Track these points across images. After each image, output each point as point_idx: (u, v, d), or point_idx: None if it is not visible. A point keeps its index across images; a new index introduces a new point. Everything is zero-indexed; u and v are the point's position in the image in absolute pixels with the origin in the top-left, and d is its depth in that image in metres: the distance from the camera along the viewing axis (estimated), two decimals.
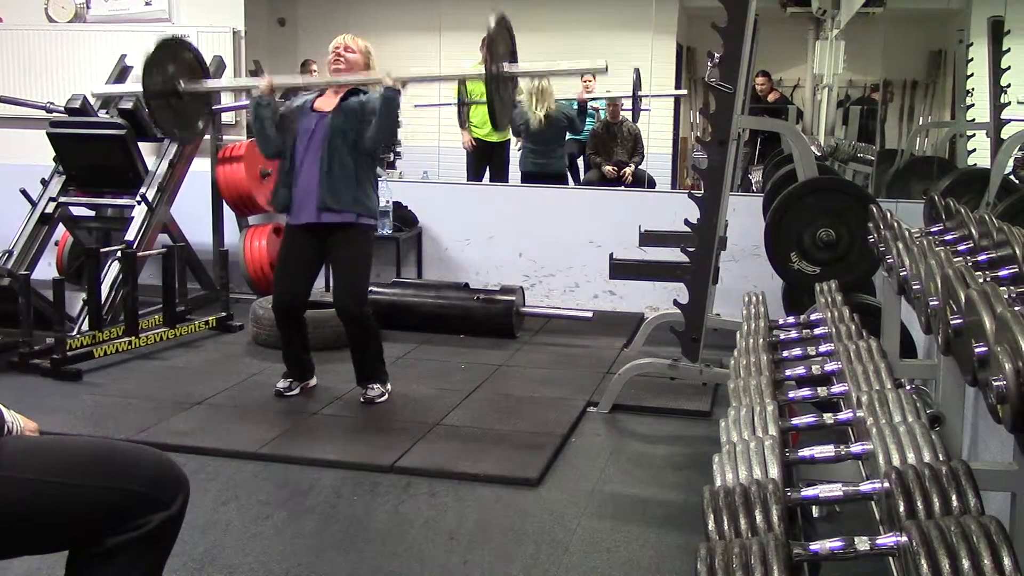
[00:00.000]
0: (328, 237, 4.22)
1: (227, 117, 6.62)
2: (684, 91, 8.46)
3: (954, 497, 1.53)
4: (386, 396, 4.35)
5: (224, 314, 5.70)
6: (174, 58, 4.55)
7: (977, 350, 1.67)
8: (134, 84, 5.61)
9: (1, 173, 5.27)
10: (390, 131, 4.31)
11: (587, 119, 8.03)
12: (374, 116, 4.14)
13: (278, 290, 4.35)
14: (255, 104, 4.24)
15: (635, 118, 7.77)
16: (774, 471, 1.82)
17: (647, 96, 7.44)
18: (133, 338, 5.04)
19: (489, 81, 3.96)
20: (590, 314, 5.92)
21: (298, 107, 4.27)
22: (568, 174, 7.80)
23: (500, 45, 4.00)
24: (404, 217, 6.55)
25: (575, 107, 7.61)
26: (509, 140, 7.88)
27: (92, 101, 6.05)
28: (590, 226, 6.36)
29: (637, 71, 7.40)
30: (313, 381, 4.51)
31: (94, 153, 5.83)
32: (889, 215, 3.28)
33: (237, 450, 3.74)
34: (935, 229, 3.08)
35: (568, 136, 7.66)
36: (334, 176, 4.12)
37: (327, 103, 4.23)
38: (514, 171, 7.70)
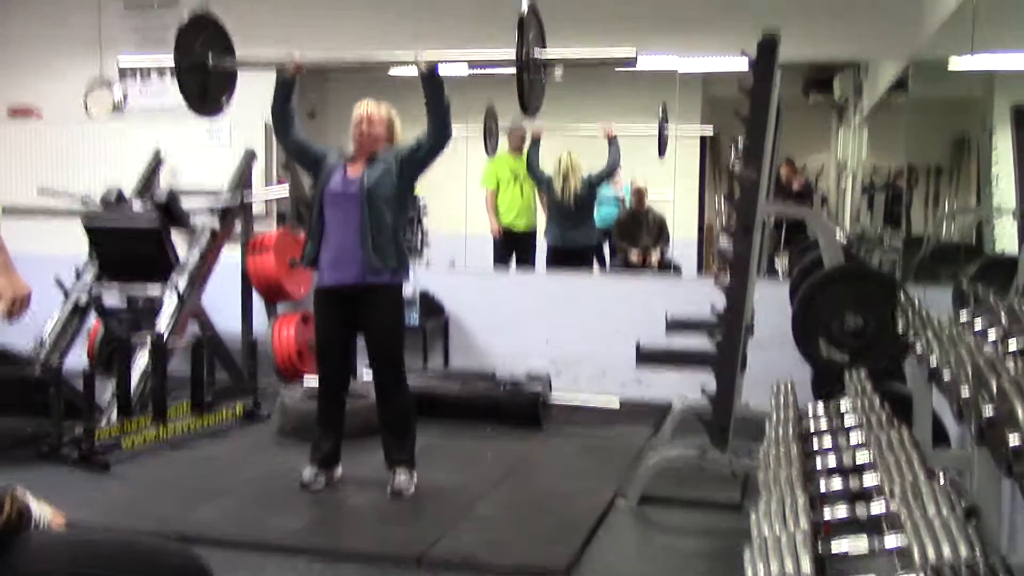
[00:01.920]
0: (362, 296, 4.25)
1: (258, 208, 6.73)
2: (709, 126, 8.38)
3: None
4: (413, 486, 4.32)
5: (252, 403, 5.71)
6: (204, 32, 4.49)
7: (1012, 441, 1.65)
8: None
9: (37, 263, 5.33)
10: (444, 117, 4.20)
11: (619, 155, 7.99)
12: (412, 152, 4.22)
13: (323, 371, 4.39)
14: (280, 81, 4.31)
15: (661, 153, 7.70)
16: (806, 566, 1.78)
17: (670, 134, 7.50)
18: (161, 427, 5.05)
19: (519, 63, 3.87)
20: (617, 404, 5.88)
21: (331, 165, 4.31)
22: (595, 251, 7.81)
23: (531, 30, 3.98)
24: (431, 306, 6.58)
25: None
26: (536, 228, 7.95)
27: (127, 193, 6.18)
28: (616, 313, 6.36)
29: (664, 104, 7.41)
30: (339, 472, 4.48)
31: (128, 245, 5.93)
32: (917, 302, 3.27)
33: (262, 542, 3.71)
34: (964, 316, 3.06)
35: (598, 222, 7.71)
36: (378, 237, 4.17)
37: (357, 168, 4.29)
38: (541, 253, 7.73)
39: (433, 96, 4.17)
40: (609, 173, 7.62)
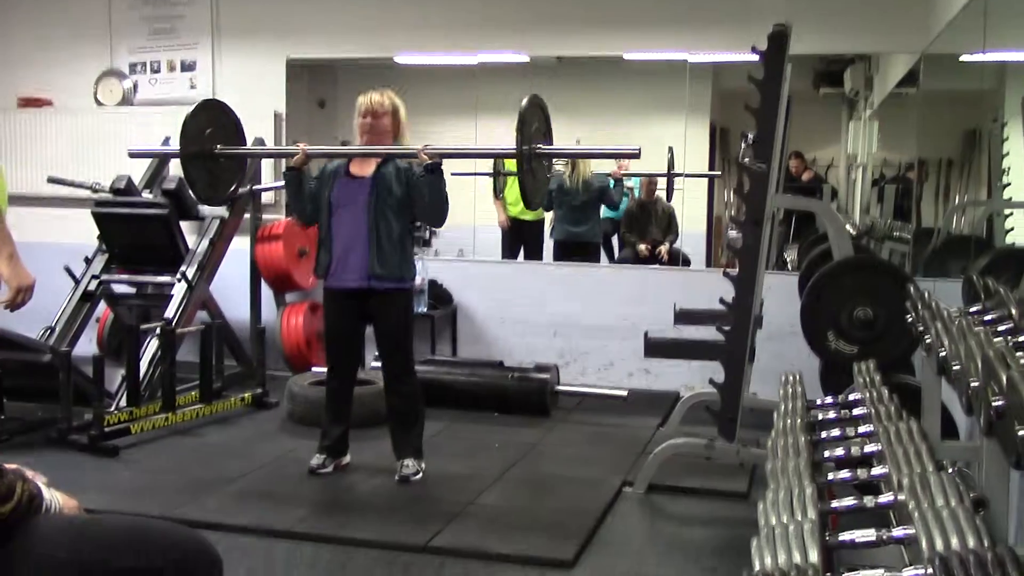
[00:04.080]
0: (370, 298, 4.26)
1: (266, 197, 6.74)
2: (719, 172, 8.49)
3: None
4: (420, 474, 4.33)
5: (260, 391, 5.73)
6: (213, 120, 4.54)
7: (1021, 433, 1.65)
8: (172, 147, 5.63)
9: (47, 251, 5.38)
10: (442, 209, 4.21)
11: (623, 197, 8.08)
12: (417, 189, 4.17)
13: (332, 361, 4.41)
14: (288, 174, 4.29)
15: (669, 197, 7.81)
16: (814, 556, 1.78)
17: (681, 175, 7.49)
18: (170, 414, 5.07)
19: (520, 160, 3.96)
20: (624, 393, 5.88)
21: (331, 172, 4.31)
22: (602, 246, 7.80)
23: (532, 124, 4.04)
24: (439, 295, 6.59)
25: (611, 184, 7.69)
26: (543, 219, 7.94)
27: (136, 181, 6.20)
28: (624, 304, 6.36)
29: (671, 150, 7.45)
30: (347, 459, 4.50)
31: (137, 232, 5.95)
32: (927, 294, 3.26)
33: (270, 528, 3.72)
34: (974, 309, 3.05)
35: (604, 214, 7.72)
36: (382, 243, 4.18)
37: (363, 168, 4.28)
38: (548, 246, 7.74)
39: (433, 189, 4.14)
40: (608, 205, 7.64)
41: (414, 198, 4.21)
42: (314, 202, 4.32)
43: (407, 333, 4.39)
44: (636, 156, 4.15)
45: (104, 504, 3.94)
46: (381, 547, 3.55)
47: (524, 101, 3.99)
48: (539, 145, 4.09)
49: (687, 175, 7.43)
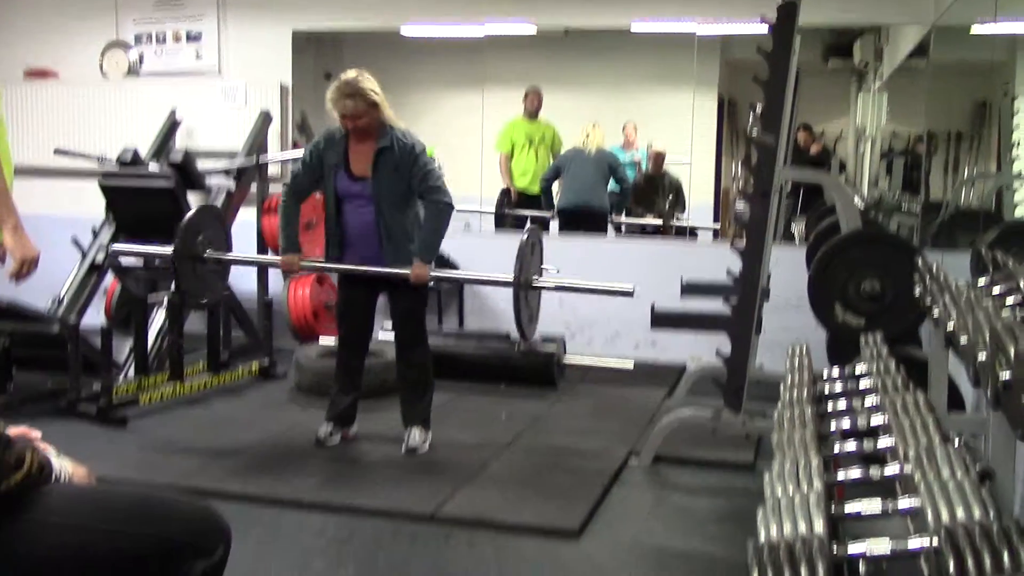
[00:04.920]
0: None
1: (273, 169, 6.73)
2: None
3: (1006, 556, 1.49)
4: (428, 444, 4.35)
5: (267, 362, 5.75)
6: (207, 224, 4.64)
7: None
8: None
9: (54, 223, 5.39)
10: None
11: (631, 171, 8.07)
12: (413, 177, 4.15)
13: (344, 329, 4.43)
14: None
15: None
16: (820, 526, 1.79)
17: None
18: (178, 385, 5.09)
19: (517, 289, 4.09)
20: (631, 364, 5.89)
21: (332, 166, 4.22)
22: (610, 216, 7.79)
23: (530, 255, 4.22)
24: (446, 267, 6.57)
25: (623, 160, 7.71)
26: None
27: (143, 153, 6.19)
28: (631, 276, 6.29)
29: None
30: (354, 429, 4.52)
31: (144, 204, 5.95)
32: (935, 266, 3.25)
33: (278, 497, 3.75)
34: (982, 281, 3.04)
35: (610, 187, 7.70)
36: (393, 237, 4.19)
37: (361, 164, 4.19)
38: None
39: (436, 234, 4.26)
40: (618, 180, 7.65)
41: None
42: (309, 176, 4.27)
43: (421, 302, 4.40)
44: (630, 295, 4.44)
45: (113, 474, 3.95)
46: (388, 516, 3.58)
47: (524, 235, 4.21)
48: (535, 279, 4.30)
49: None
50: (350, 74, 4.13)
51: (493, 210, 7.91)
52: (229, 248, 4.84)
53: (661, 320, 5.03)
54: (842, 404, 2.77)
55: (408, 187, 4.18)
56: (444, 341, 5.85)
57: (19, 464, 1.66)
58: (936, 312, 2.83)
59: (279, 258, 4.42)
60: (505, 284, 4.23)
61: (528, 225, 4.52)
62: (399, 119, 4.27)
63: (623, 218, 7.85)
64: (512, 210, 7.86)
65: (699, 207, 8.02)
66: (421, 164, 4.14)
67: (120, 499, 1.84)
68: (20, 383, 4.90)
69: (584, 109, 7.99)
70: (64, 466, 1.83)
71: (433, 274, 4.28)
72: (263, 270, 6.47)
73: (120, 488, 2.00)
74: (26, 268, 3.58)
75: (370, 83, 4.12)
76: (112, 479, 2.98)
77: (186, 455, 4.27)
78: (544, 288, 4.41)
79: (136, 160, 6.11)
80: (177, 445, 4.42)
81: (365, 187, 4.17)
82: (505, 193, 7.91)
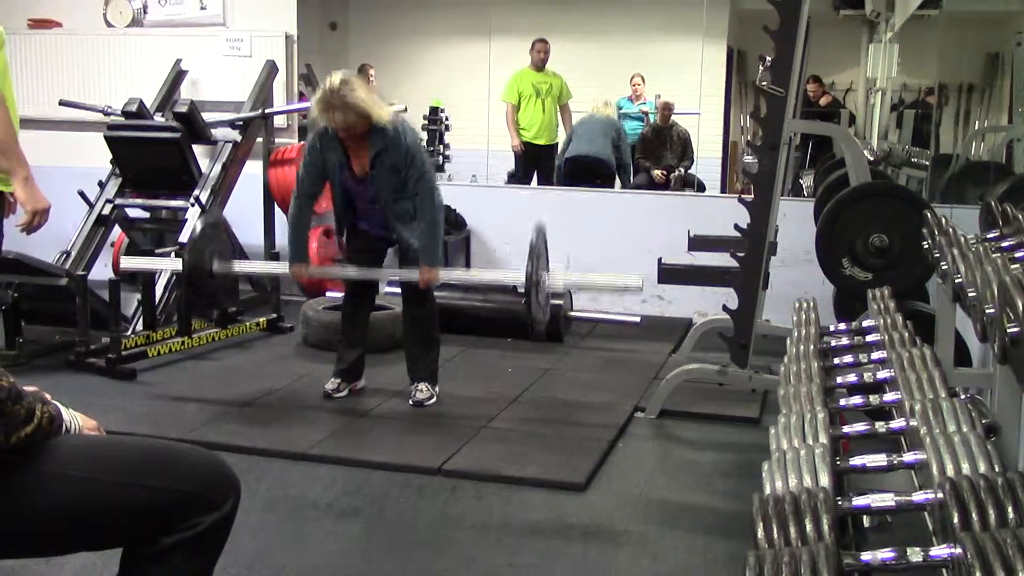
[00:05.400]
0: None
1: (279, 120, 6.69)
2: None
3: (1010, 509, 1.50)
4: (434, 398, 4.37)
5: (275, 315, 5.76)
6: (212, 238, 4.55)
7: None
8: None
9: (60, 176, 5.37)
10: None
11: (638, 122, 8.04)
12: (409, 179, 4.10)
13: (351, 285, 4.45)
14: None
15: None
16: (825, 480, 1.80)
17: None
18: (186, 338, 5.11)
19: (528, 284, 4.03)
20: (638, 319, 5.89)
21: (335, 163, 4.14)
22: (616, 170, 7.76)
23: (541, 255, 4.14)
24: (453, 220, 6.57)
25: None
26: (557, 143, 7.89)
27: (148, 105, 6.16)
28: (638, 230, 6.33)
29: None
30: (361, 383, 4.54)
31: (150, 156, 5.92)
32: (944, 220, 3.23)
33: (286, 451, 3.77)
34: (991, 235, 3.03)
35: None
36: (402, 220, 4.18)
37: (360, 164, 4.13)
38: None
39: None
40: (615, 144, 7.60)
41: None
42: (316, 177, 4.20)
43: None
44: (638, 289, 4.44)
45: (122, 427, 3.99)
46: (395, 469, 3.60)
47: (534, 235, 4.12)
48: (545, 275, 4.21)
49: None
50: (335, 82, 3.92)
51: (500, 162, 7.88)
52: (235, 250, 4.83)
53: (668, 274, 5.01)
54: (848, 358, 2.78)
55: (407, 177, 4.15)
56: (451, 295, 5.85)
57: (29, 417, 1.67)
58: (944, 266, 2.82)
59: (288, 266, 4.37)
60: (515, 291, 4.21)
61: (536, 224, 4.30)
62: (395, 102, 4.30)
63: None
64: (520, 163, 7.84)
65: (707, 160, 7.98)
66: (417, 166, 4.09)
67: (129, 451, 1.85)
68: (29, 336, 4.92)
69: (592, 60, 7.93)
70: (75, 418, 1.84)
71: (442, 273, 4.30)
72: (270, 222, 6.48)
73: (129, 440, 2.01)
74: (38, 219, 3.62)
75: (357, 92, 3.91)
76: (121, 432, 3.02)
77: (195, 408, 4.30)
78: (554, 289, 4.42)
79: (141, 111, 6.07)
80: (185, 398, 4.45)
81: (367, 185, 4.16)
82: (519, 158, 7.87)
